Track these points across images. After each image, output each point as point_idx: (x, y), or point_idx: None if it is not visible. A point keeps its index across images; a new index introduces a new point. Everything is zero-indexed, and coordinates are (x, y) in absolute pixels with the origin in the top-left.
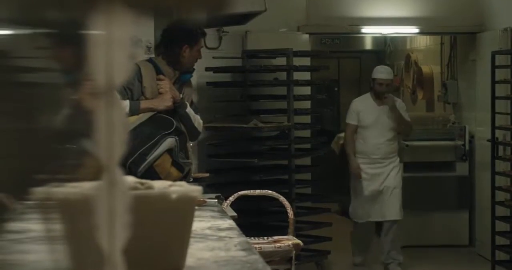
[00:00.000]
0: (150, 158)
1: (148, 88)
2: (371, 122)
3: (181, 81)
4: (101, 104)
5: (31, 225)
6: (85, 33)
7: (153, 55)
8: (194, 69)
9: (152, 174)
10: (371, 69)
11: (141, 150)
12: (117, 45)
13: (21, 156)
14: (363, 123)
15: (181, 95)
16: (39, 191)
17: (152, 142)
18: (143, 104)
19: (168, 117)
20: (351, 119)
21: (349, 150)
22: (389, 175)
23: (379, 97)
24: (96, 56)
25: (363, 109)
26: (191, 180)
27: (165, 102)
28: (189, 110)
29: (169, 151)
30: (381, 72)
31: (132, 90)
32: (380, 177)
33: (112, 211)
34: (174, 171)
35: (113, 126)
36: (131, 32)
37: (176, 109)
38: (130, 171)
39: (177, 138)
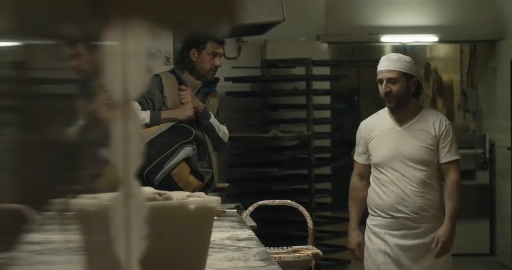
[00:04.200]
0: (167, 167)
1: (169, 98)
2: (388, 156)
3: (205, 92)
4: (117, 116)
5: (51, 236)
6: (101, 44)
7: (172, 66)
8: (218, 79)
9: (170, 182)
10: None
11: (158, 159)
12: (133, 57)
13: (40, 167)
14: (375, 158)
15: (205, 105)
16: (58, 202)
17: (169, 150)
18: (164, 114)
19: (187, 126)
20: (356, 154)
21: (350, 207)
22: (425, 256)
23: (393, 110)
24: (111, 69)
25: (375, 134)
26: (213, 189)
27: (186, 112)
28: (213, 120)
29: (187, 160)
30: (382, 62)
31: (153, 101)
32: (409, 254)
33: (128, 222)
34: (193, 180)
35: (129, 138)
36: (147, 44)
37: (199, 119)
38: (147, 180)
39: (194, 147)
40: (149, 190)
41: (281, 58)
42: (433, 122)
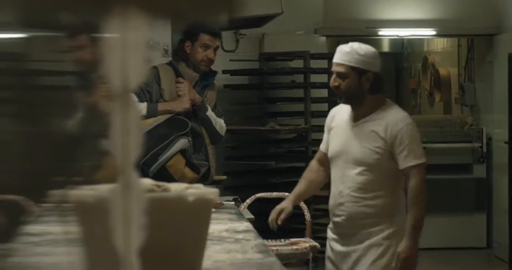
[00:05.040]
0: (162, 158)
1: (166, 90)
2: (337, 152)
3: (203, 84)
4: (116, 107)
5: (49, 228)
6: (101, 35)
7: (170, 58)
8: (216, 72)
9: (165, 174)
10: (389, 71)
11: (153, 151)
12: (132, 48)
13: (39, 158)
14: (329, 152)
15: (203, 98)
16: (57, 194)
17: (165, 142)
18: (161, 106)
19: (184, 118)
20: (322, 142)
21: (298, 183)
22: (359, 264)
23: (351, 105)
24: (111, 60)
25: (334, 125)
26: (211, 182)
27: (183, 104)
28: (210, 113)
29: (182, 152)
30: (336, 52)
31: (150, 93)
32: (346, 261)
33: (127, 213)
34: (188, 172)
35: (128, 129)
36: (146, 35)
37: (196, 112)
38: (142, 171)
39: (190, 139)
40: (147, 182)
41: (279, 51)
42: (386, 124)
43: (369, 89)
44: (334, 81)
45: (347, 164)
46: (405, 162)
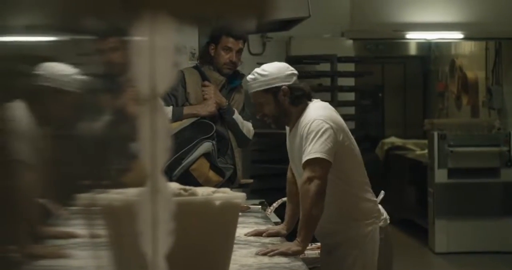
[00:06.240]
0: (186, 162)
1: (192, 94)
2: (291, 165)
3: (230, 87)
4: (144, 111)
5: (76, 231)
6: (131, 39)
7: (197, 62)
8: (243, 75)
9: (189, 178)
10: (416, 75)
11: (177, 154)
12: (161, 52)
13: (66, 162)
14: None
15: (229, 101)
16: (84, 197)
17: (189, 146)
18: (186, 110)
19: (209, 122)
20: None
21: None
22: None
23: (284, 125)
24: (139, 63)
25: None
26: (237, 185)
27: (208, 108)
28: (236, 116)
29: (206, 155)
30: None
31: (176, 97)
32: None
33: (155, 217)
34: (213, 176)
35: (157, 133)
36: (174, 39)
37: (223, 115)
38: (166, 175)
39: (214, 142)
40: (174, 186)
41: (306, 55)
42: (300, 128)
43: (290, 103)
44: (257, 112)
45: (297, 175)
46: (303, 157)
